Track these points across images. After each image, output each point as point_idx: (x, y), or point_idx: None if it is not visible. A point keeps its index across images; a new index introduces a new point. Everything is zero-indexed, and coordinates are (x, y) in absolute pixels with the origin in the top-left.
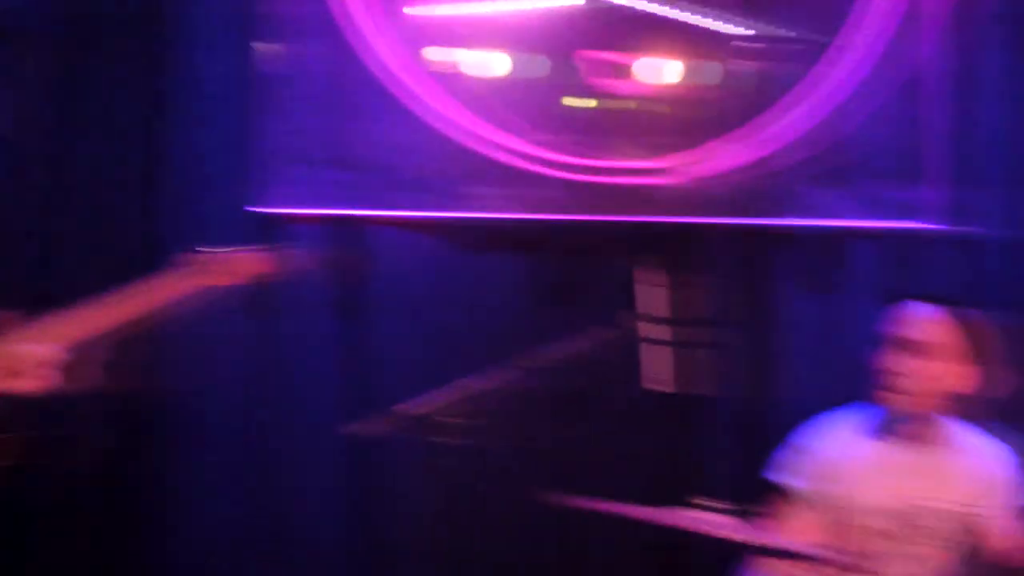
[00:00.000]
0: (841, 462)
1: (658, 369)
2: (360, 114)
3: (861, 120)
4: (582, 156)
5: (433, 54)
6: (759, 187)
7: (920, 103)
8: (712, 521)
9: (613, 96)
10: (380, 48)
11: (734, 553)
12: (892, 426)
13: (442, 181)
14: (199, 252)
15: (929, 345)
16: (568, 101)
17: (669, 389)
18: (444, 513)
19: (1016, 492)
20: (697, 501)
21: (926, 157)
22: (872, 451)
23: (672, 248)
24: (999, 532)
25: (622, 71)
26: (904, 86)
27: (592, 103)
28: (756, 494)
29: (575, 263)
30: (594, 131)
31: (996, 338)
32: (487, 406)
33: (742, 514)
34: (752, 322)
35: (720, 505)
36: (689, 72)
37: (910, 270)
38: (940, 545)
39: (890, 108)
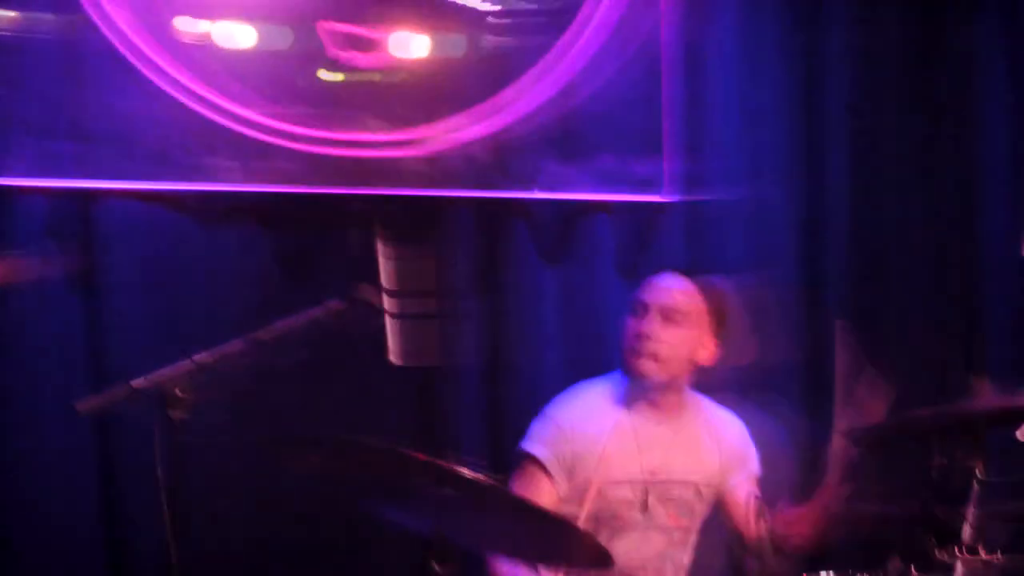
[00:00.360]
0: (589, 432)
1: (402, 341)
2: (96, 84)
3: (597, 93)
4: (325, 129)
5: (182, 24)
6: (500, 160)
7: (654, 76)
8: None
9: (358, 69)
10: (118, 17)
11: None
12: (639, 396)
13: (181, 153)
14: None
15: (675, 312)
16: (312, 74)
17: (412, 362)
18: (182, 487)
19: (755, 462)
20: None
21: (661, 130)
22: (619, 422)
23: (414, 221)
24: (742, 503)
25: (368, 44)
26: (639, 59)
27: (337, 76)
28: (503, 465)
29: (317, 236)
30: (338, 104)
31: (738, 308)
32: (225, 379)
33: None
34: (493, 295)
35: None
36: (434, 45)
37: (649, 241)
38: (684, 515)
39: (625, 81)
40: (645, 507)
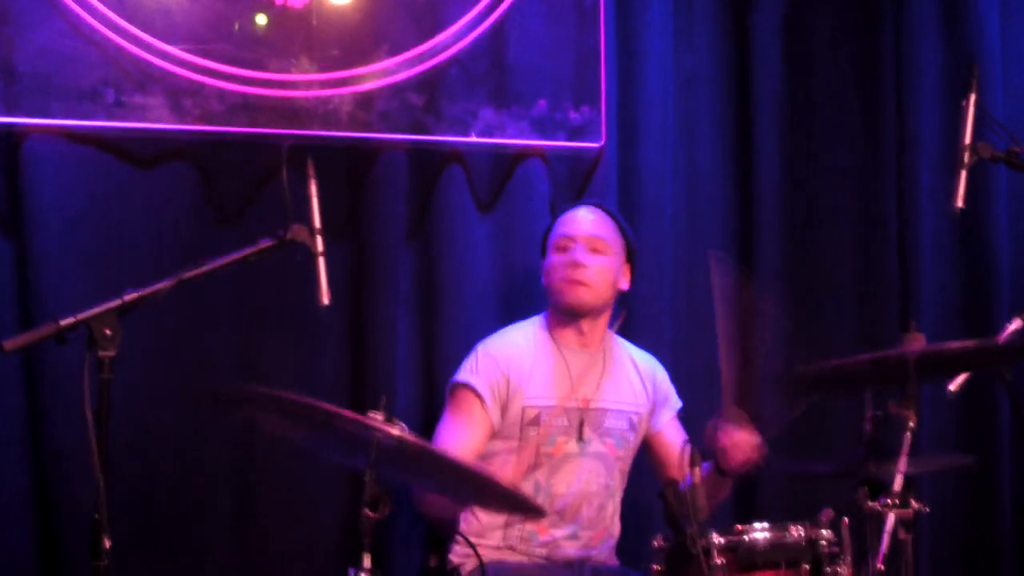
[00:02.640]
0: (522, 363)
1: (326, 282)
2: (20, 21)
3: (533, 40)
4: (257, 69)
5: None
6: (435, 104)
7: (591, 24)
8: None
9: (291, 9)
10: None
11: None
12: (568, 328)
13: (109, 91)
14: None
15: (598, 241)
16: (244, 13)
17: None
18: (108, 424)
19: (676, 399)
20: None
21: (597, 78)
22: (550, 352)
23: (346, 163)
24: (674, 447)
25: None
26: (575, 7)
27: (270, 16)
28: (438, 407)
29: (249, 177)
30: (270, 44)
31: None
32: (155, 319)
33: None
34: (427, 238)
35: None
36: None
37: (583, 188)
38: (619, 445)
39: (561, 29)
40: (581, 436)
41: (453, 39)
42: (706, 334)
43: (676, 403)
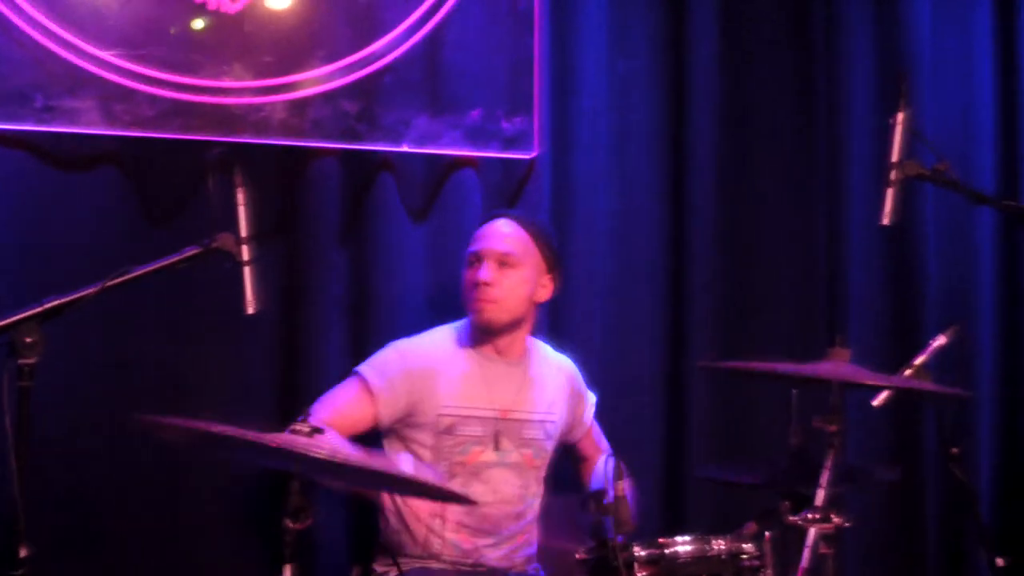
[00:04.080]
0: (436, 368)
1: (257, 291)
2: None
3: (468, 49)
4: (190, 74)
5: None
6: (368, 112)
7: (526, 34)
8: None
9: (225, 15)
10: None
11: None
12: (485, 339)
13: (40, 95)
14: None
15: (507, 256)
16: (178, 18)
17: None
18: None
19: (591, 406)
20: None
21: (531, 88)
22: (466, 359)
23: (278, 169)
24: (598, 460)
25: None
26: (511, 15)
27: (204, 21)
28: None
29: (180, 183)
30: (204, 49)
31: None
32: (82, 324)
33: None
34: (359, 246)
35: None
36: None
37: (516, 198)
38: (537, 455)
39: (496, 38)
40: (497, 445)
41: (389, 47)
42: (636, 342)
43: (592, 399)
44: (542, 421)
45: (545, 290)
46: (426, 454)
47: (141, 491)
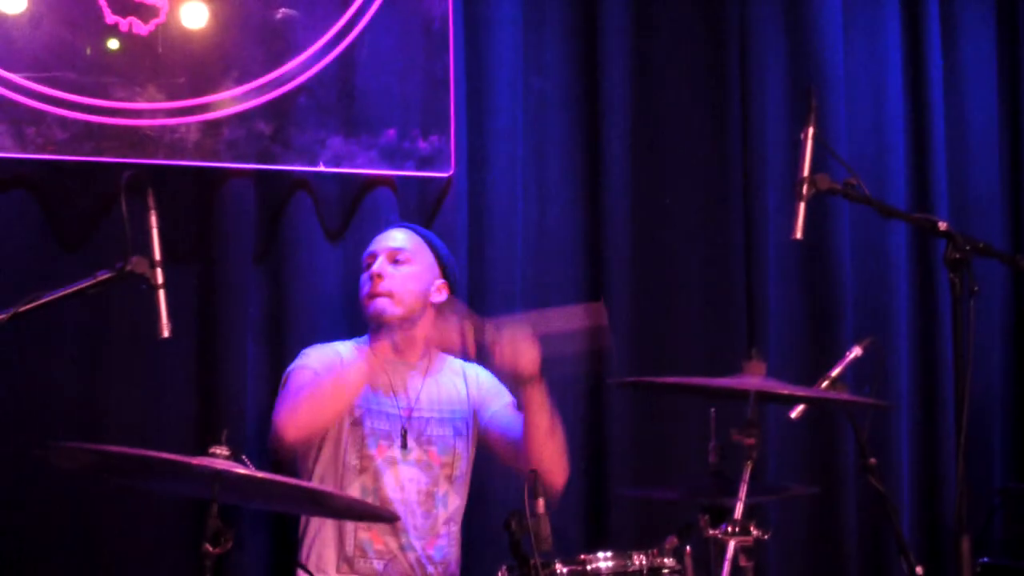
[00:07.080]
0: (345, 375)
1: (169, 315)
2: None
3: (382, 68)
4: (101, 97)
5: None
6: (282, 133)
7: (440, 53)
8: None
9: (137, 36)
10: None
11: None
12: (384, 341)
13: None
14: None
15: (399, 252)
16: (89, 40)
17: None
18: None
19: (508, 396)
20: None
21: (446, 107)
22: (370, 364)
23: (193, 191)
24: (502, 416)
25: (147, 11)
26: (425, 35)
27: (115, 43)
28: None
29: (92, 207)
30: (115, 71)
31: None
32: None
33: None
34: (274, 267)
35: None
36: (215, 14)
37: (432, 218)
38: (444, 453)
39: (410, 57)
40: (405, 444)
41: (302, 67)
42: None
43: (506, 397)
44: (449, 419)
45: (439, 293)
46: (333, 448)
47: (54, 522)
